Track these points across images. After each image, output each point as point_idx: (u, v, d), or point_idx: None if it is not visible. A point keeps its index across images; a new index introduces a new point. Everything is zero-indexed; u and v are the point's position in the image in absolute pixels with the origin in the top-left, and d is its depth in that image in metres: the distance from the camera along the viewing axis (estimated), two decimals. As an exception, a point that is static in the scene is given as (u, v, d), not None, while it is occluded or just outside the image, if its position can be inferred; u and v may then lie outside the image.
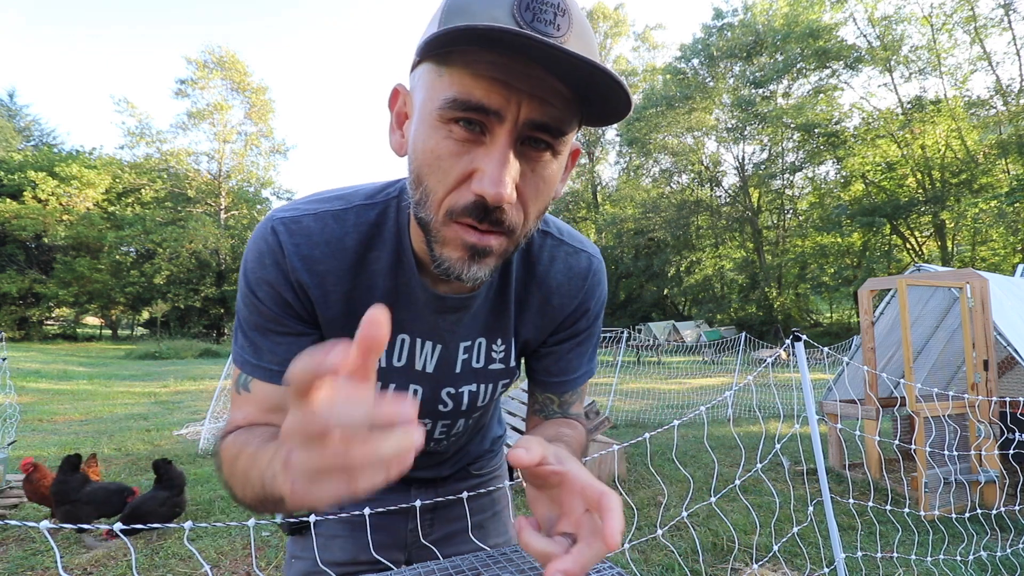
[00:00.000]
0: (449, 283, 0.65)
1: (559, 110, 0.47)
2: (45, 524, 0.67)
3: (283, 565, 0.91)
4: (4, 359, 4.60)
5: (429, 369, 0.71)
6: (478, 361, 0.73)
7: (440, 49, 0.46)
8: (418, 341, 0.69)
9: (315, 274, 0.62)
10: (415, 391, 0.72)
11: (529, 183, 0.50)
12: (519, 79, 0.45)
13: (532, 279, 0.71)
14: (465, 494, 0.90)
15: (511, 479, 1.10)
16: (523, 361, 0.82)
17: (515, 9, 0.44)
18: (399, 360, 0.70)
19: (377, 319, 0.30)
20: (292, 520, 0.85)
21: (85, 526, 0.88)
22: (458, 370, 0.72)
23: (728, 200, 30.81)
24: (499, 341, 0.73)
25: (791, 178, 28.12)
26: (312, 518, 0.85)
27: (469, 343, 0.71)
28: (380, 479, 0.32)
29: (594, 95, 0.47)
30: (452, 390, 0.74)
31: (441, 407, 0.75)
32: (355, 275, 0.64)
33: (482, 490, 0.95)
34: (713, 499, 1.80)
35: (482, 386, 0.75)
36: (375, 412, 0.30)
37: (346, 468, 0.31)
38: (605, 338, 16.10)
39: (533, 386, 0.81)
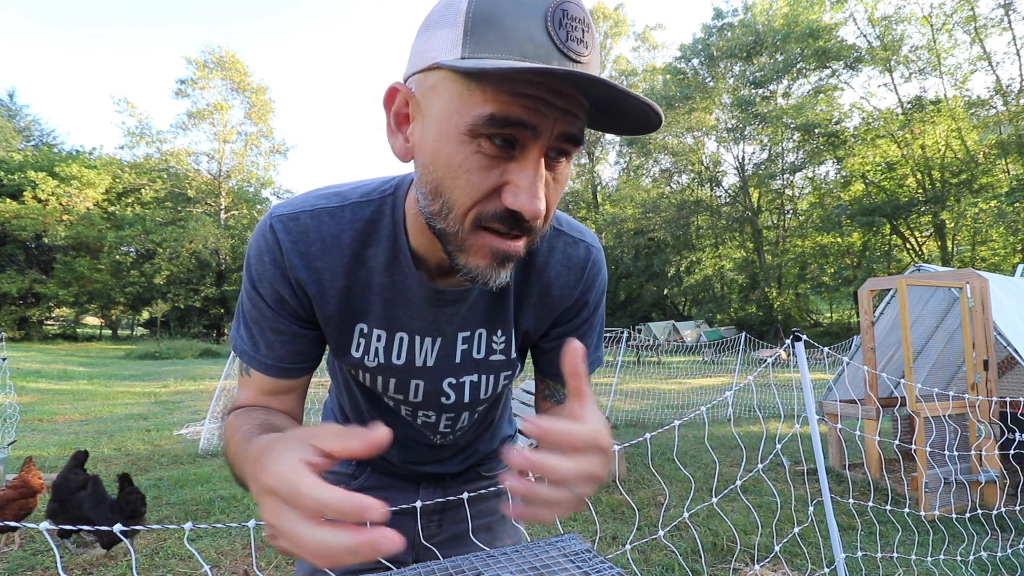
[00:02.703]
0: (448, 277, 0.65)
1: (583, 121, 0.49)
2: (45, 525, 0.68)
3: (295, 561, 0.92)
4: (4, 359, 4.60)
5: (429, 363, 0.72)
6: (479, 352, 0.73)
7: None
8: (416, 339, 0.70)
9: (312, 270, 0.63)
10: (416, 385, 0.73)
11: (552, 190, 0.52)
12: (555, 97, 0.45)
13: (531, 269, 0.71)
14: (466, 495, 0.90)
15: None
16: (529, 354, 0.82)
17: (549, 26, 0.44)
18: (398, 358, 0.70)
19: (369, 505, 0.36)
20: None
21: (69, 527, 0.88)
22: (458, 360, 0.73)
23: (728, 200, 30.82)
24: (499, 332, 0.73)
25: (791, 178, 28.13)
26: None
27: (468, 333, 0.71)
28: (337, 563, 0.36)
29: (620, 112, 0.48)
30: (453, 380, 0.74)
31: (444, 399, 0.75)
32: (352, 272, 0.65)
33: (488, 491, 0.95)
34: (714, 499, 1.80)
35: (483, 377, 0.75)
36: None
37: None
38: (605, 338, 16.08)
39: (541, 376, 0.81)
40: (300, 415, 0.73)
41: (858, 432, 3.77)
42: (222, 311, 29.08)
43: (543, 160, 0.48)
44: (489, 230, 0.51)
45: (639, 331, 21.32)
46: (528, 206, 0.47)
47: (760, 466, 3.81)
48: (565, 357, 0.44)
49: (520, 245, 0.52)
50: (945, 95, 21.28)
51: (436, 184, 0.50)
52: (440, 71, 0.48)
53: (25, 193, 23.35)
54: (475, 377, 0.75)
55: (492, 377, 0.76)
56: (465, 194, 0.49)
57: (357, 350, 0.69)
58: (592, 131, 0.54)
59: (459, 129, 0.47)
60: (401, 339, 0.69)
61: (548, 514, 0.43)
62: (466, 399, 0.76)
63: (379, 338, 0.69)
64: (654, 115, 0.47)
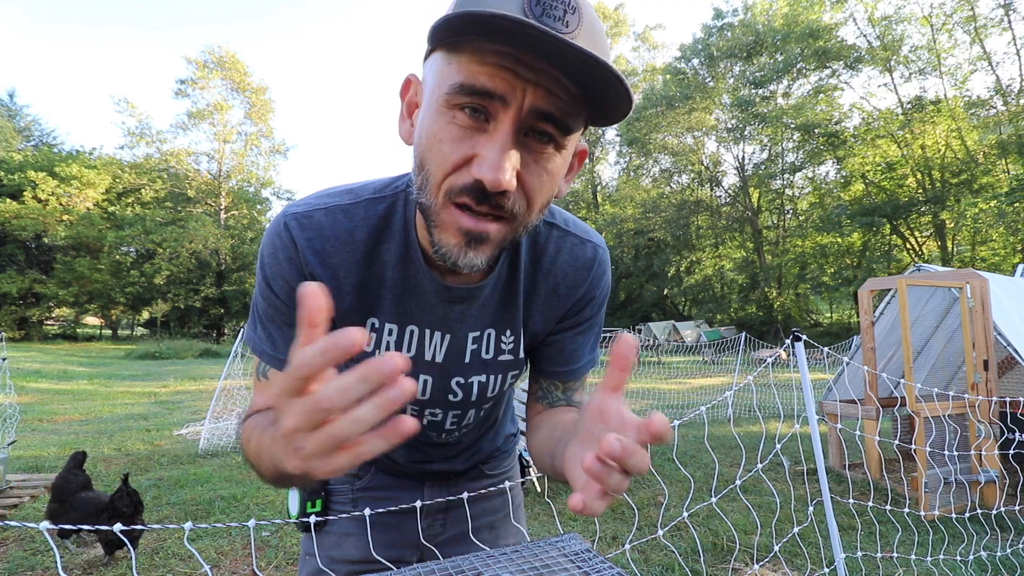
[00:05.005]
0: (457, 274, 0.66)
1: (565, 103, 0.47)
2: (45, 525, 0.68)
3: (298, 562, 0.91)
4: (4, 359, 4.59)
5: (439, 359, 0.72)
6: (487, 352, 0.73)
7: (450, 38, 0.47)
8: (427, 332, 0.70)
9: (328, 267, 0.64)
10: (425, 381, 0.73)
11: (532, 173, 0.51)
12: (525, 68, 0.45)
13: (539, 270, 0.72)
14: (466, 494, 0.90)
15: (523, 477, 1.10)
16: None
17: (525, 3, 0.44)
18: (408, 351, 0.71)
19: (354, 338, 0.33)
20: (304, 519, 0.85)
21: (69, 527, 0.87)
22: (467, 360, 0.73)
23: (728, 200, 30.82)
24: (508, 332, 0.73)
25: (791, 178, 28.13)
26: (313, 519, 0.85)
27: (478, 333, 0.72)
28: (381, 445, 0.35)
29: (595, 91, 0.47)
30: (462, 380, 0.74)
31: (451, 396, 0.75)
32: (366, 268, 0.65)
33: (493, 489, 0.95)
34: (713, 499, 1.80)
35: (491, 376, 0.75)
36: (367, 377, 0.33)
37: (350, 440, 0.34)
38: (605, 338, 16.09)
39: (536, 374, 0.81)
40: None
41: (858, 432, 3.77)
42: (222, 311, 29.06)
43: (515, 135, 0.48)
44: (459, 207, 0.50)
45: (639, 331, 21.31)
46: (488, 175, 0.47)
47: (760, 466, 3.81)
48: (617, 347, 0.41)
49: (492, 227, 0.51)
50: (945, 95, 21.29)
51: (420, 157, 0.52)
52: (433, 53, 0.51)
53: (25, 193, 23.36)
54: (483, 377, 0.75)
55: (500, 376, 0.76)
56: (438, 165, 0.50)
57: (368, 345, 0.69)
58: (592, 130, 0.53)
59: (439, 101, 0.49)
60: (412, 332, 0.70)
61: (602, 506, 0.40)
62: (473, 397, 0.76)
63: (391, 332, 0.69)
64: (620, 84, 0.44)
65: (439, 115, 0.49)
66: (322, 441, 0.35)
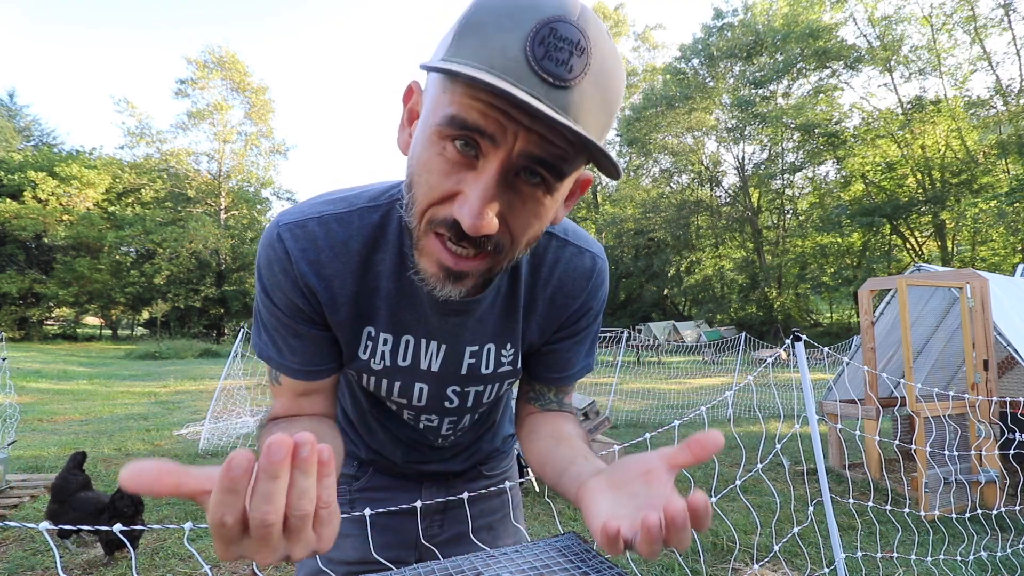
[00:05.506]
0: None
1: (561, 149, 0.45)
2: (45, 525, 0.68)
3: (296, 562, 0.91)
4: (4, 359, 4.59)
5: (435, 368, 0.71)
6: (487, 367, 0.73)
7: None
8: (423, 342, 0.70)
9: (322, 278, 0.63)
10: (421, 389, 0.73)
11: (518, 214, 0.49)
12: (518, 112, 0.43)
13: (537, 282, 0.71)
14: (466, 494, 0.89)
15: (521, 478, 1.09)
16: None
17: (528, 41, 0.41)
18: (404, 360, 0.70)
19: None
20: None
21: (68, 527, 0.88)
22: (464, 372, 0.72)
23: (728, 200, 30.82)
24: (508, 346, 0.73)
25: (791, 178, 28.15)
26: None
27: (477, 348, 0.71)
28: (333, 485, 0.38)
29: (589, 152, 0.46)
30: (458, 388, 0.74)
31: (447, 403, 0.75)
32: (361, 277, 0.65)
33: (492, 489, 0.95)
34: (713, 499, 1.80)
35: (489, 386, 0.75)
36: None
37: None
38: (605, 338, 16.09)
39: (529, 377, 0.81)
40: (333, 412, 0.73)
41: (858, 432, 3.77)
42: (222, 311, 29.06)
43: (501, 177, 0.46)
44: (439, 236, 0.50)
45: (639, 331, 21.32)
46: (467, 219, 0.46)
47: (760, 466, 3.81)
48: (703, 439, 0.42)
49: (475, 264, 0.51)
50: (945, 95, 21.30)
51: (410, 179, 0.51)
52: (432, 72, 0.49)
53: (25, 193, 23.35)
54: (480, 387, 0.75)
55: (497, 384, 0.76)
56: (423, 193, 0.49)
57: (364, 352, 0.69)
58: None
59: (431, 128, 0.47)
60: (407, 342, 0.69)
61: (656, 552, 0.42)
62: (469, 404, 0.76)
63: (386, 341, 0.69)
64: (606, 159, 0.44)
65: (430, 143, 0.48)
66: (294, 542, 0.37)
